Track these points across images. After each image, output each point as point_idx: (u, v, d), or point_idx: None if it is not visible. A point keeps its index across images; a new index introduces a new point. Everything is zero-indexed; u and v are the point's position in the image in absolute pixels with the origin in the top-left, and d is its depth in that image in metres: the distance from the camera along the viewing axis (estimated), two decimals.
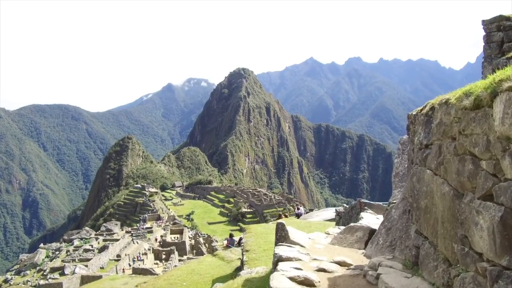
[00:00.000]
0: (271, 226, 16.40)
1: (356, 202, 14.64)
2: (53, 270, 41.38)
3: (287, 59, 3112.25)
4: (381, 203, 14.17)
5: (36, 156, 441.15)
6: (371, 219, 11.54)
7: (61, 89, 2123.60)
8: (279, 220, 9.31)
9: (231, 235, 23.43)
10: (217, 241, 58.90)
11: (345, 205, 25.47)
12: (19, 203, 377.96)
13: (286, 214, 31.47)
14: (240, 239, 17.60)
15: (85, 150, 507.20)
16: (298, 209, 30.64)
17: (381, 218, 11.88)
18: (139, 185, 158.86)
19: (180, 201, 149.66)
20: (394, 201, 8.34)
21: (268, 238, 13.81)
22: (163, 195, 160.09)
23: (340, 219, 16.54)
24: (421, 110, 6.21)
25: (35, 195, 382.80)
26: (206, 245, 69.96)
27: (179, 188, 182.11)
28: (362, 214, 12.38)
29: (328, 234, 10.52)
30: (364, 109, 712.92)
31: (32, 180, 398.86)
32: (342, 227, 11.00)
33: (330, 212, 24.80)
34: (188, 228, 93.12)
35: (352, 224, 9.81)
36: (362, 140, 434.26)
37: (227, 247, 20.62)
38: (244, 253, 12.78)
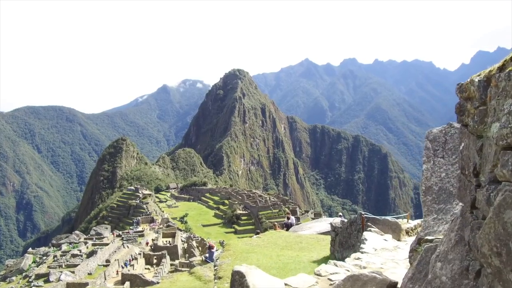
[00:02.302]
0: (255, 242, 14.71)
1: (356, 216, 12.07)
2: (38, 276, 39.90)
3: (282, 60, 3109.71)
4: (388, 217, 11.72)
5: (30, 158, 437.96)
6: (377, 242, 9.46)
7: (56, 90, 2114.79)
8: (237, 267, 5.48)
9: (210, 247, 21.54)
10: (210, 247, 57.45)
11: (340, 214, 23.10)
12: (13, 206, 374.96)
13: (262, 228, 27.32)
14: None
15: (80, 151, 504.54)
16: (288, 218, 26.70)
17: (389, 239, 9.96)
18: (132, 187, 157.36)
19: (175, 203, 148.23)
20: (429, 238, 5.15)
21: (248, 260, 11.78)
22: (157, 197, 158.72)
23: (336, 235, 13.57)
24: (502, 67, 3.10)
25: (29, 197, 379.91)
26: (200, 248, 68.85)
27: (173, 190, 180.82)
28: (366, 234, 10.16)
29: (319, 276, 6.86)
30: (359, 110, 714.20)
31: (26, 182, 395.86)
32: (342, 272, 7.17)
33: (325, 224, 21.51)
34: (181, 231, 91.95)
35: (356, 271, 6.62)
36: (357, 141, 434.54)
37: (206, 261, 19.17)
38: (216, 280, 10.28)
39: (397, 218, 12.16)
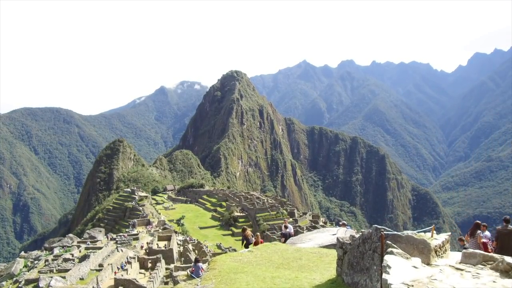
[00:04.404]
0: (246, 258, 12.62)
1: (371, 231, 9.52)
2: (28, 282, 38.47)
3: (280, 62, 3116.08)
4: (411, 233, 9.33)
5: (27, 160, 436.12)
6: (405, 271, 7.24)
7: (53, 92, 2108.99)
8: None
9: (196, 261, 19.54)
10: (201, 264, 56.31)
11: (344, 222, 20.79)
12: (9, 207, 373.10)
13: (252, 236, 21.47)
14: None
15: (77, 153, 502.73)
16: (286, 227, 23.28)
17: (419, 265, 7.90)
18: (128, 189, 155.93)
19: (172, 205, 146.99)
20: None
21: (236, 283, 9.90)
22: (154, 199, 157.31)
23: (344, 254, 10.78)
24: None
25: (26, 199, 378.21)
26: (196, 251, 67.76)
27: (170, 192, 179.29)
28: (388, 259, 7.79)
29: None
30: (357, 111, 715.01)
31: (23, 184, 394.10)
32: None
33: (327, 235, 18.87)
34: (178, 233, 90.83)
35: None
36: (355, 143, 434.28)
37: (191, 277, 17.77)
38: None
39: (419, 232, 9.95)
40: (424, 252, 8.72)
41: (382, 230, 9.03)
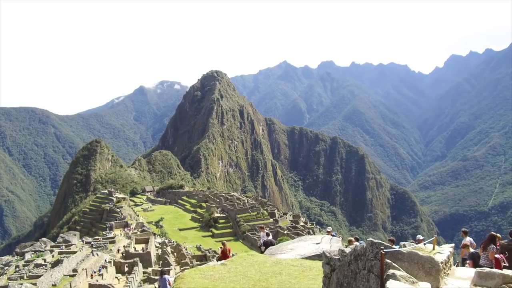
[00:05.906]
0: (218, 273, 10.94)
1: (366, 247, 7.84)
2: None
3: (260, 62, 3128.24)
4: (408, 244, 8.13)
5: (0, 161, 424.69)
6: None
7: (28, 91, 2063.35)
8: None
9: (162, 273, 17.89)
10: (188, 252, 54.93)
11: (329, 228, 18.74)
12: None
13: (222, 252, 19.53)
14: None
15: (53, 154, 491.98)
16: (268, 234, 21.05)
17: None
18: (106, 191, 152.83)
19: (151, 207, 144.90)
20: None
21: None
22: (132, 201, 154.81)
23: (332, 272, 9.19)
24: None
25: (0, 202, 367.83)
26: (175, 254, 66.38)
27: (149, 193, 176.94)
28: (391, 286, 6.33)
29: None
30: (336, 112, 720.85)
31: None
32: None
33: (310, 244, 16.81)
34: (157, 235, 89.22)
35: None
36: (335, 143, 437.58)
37: None
38: None
39: (418, 245, 8.44)
40: (431, 273, 7.18)
41: (381, 246, 7.35)
